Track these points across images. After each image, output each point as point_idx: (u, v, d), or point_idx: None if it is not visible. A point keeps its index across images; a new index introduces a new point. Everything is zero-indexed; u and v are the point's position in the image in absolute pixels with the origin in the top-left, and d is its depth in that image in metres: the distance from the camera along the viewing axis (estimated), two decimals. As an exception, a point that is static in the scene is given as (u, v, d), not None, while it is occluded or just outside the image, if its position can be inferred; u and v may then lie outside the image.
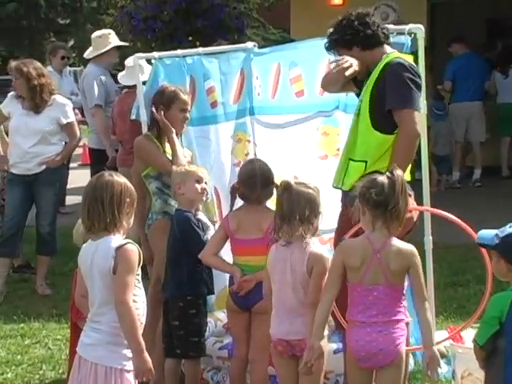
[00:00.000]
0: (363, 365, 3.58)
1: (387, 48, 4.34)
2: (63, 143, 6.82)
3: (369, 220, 3.57)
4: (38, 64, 6.81)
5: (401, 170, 3.65)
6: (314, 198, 3.79)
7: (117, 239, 3.38)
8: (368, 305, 3.55)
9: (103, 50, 7.73)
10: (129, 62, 6.36)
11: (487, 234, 3.42)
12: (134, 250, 3.36)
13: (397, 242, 3.58)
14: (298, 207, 3.74)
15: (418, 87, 4.17)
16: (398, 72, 4.13)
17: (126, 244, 3.35)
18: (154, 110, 4.83)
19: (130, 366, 3.35)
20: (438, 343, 4.59)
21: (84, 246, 3.53)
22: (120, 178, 3.45)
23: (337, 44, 4.36)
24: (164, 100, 4.82)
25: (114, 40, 7.86)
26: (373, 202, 3.53)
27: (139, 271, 3.44)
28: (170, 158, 4.80)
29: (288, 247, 3.79)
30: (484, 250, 3.72)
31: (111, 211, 3.35)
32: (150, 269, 4.99)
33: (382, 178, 3.57)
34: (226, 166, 5.21)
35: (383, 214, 3.53)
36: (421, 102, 4.65)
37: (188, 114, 4.92)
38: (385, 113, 4.11)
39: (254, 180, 4.32)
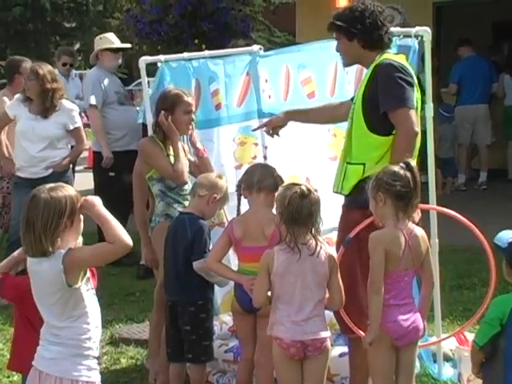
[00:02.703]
0: (399, 343, 3.76)
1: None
2: (69, 147, 6.84)
3: (391, 210, 3.74)
4: (52, 68, 6.86)
5: (414, 161, 3.79)
6: (320, 202, 3.84)
7: (57, 256, 3.23)
8: (400, 289, 3.77)
9: (97, 50, 7.77)
10: None
11: (504, 235, 3.49)
12: (75, 250, 3.26)
13: (416, 228, 3.81)
14: (318, 214, 3.80)
15: (410, 85, 4.13)
16: (389, 73, 4.10)
17: (67, 252, 3.24)
18: (161, 114, 4.80)
19: (95, 377, 3.33)
20: (442, 340, 4.61)
21: (28, 261, 3.35)
22: (57, 193, 3.25)
23: (340, 30, 4.29)
24: (167, 104, 4.82)
25: (111, 42, 7.87)
26: (398, 194, 3.70)
27: (89, 276, 3.34)
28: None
29: (304, 251, 3.79)
30: (490, 253, 3.74)
31: (40, 237, 3.20)
32: (155, 272, 4.99)
33: (403, 171, 3.73)
34: (226, 168, 5.20)
35: (406, 206, 3.73)
36: (426, 104, 4.67)
37: (193, 116, 4.91)
38: (379, 115, 4.09)
39: (254, 167, 4.45)
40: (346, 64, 4.47)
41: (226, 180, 4.58)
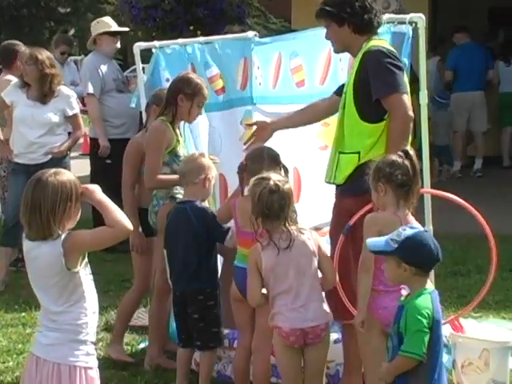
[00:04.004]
0: (389, 329, 3.66)
1: (373, 37, 4.29)
2: (67, 133, 6.83)
3: (392, 199, 3.74)
4: (50, 54, 6.84)
5: (412, 149, 3.78)
6: (292, 191, 3.89)
7: (57, 239, 3.23)
8: None
9: (94, 34, 7.73)
10: None
11: (377, 241, 3.39)
12: (75, 233, 3.26)
13: (415, 222, 3.77)
14: (290, 206, 3.83)
15: (401, 70, 4.14)
16: (379, 59, 4.10)
17: (67, 235, 3.24)
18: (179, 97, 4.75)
19: (92, 362, 3.33)
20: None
21: (25, 246, 3.36)
22: (62, 177, 3.27)
23: (330, 16, 4.29)
24: (188, 90, 4.77)
25: (108, 25, 7.82)
26: (399, 182, 3.71)
27: (87, 261, 3.35)
28: (178, 148, 4.79)
29: (281, 244, 3.82)
30: (492, 241, 3.73)
31: (48, 220, 3.21)
32: (134, 255, 5.07)
33: (402, 159, 3.74)
34: (233, 153, 5.16)
35: (407, 193, 3.74)
36: (421, 91, 4.66)
37: (201, 110, 4.92)
38: (371, 102, 4.09)
39: (261, 153, 4.36)
40: (337, 51, 4.47)
41: (207, 157, 4.57)
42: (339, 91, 4.46)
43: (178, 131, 4.87)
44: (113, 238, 3.33)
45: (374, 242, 3.40)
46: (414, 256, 3.27)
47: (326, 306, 3.90)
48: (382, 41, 4.32)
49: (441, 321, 3.34)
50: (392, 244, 3.28)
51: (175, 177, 4.62)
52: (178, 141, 4.82)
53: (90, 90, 7.58)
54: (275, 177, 3.90)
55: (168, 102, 4.82)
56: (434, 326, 3.26)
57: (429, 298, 3.30)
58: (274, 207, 3.79)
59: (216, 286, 4.47)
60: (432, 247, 3.32)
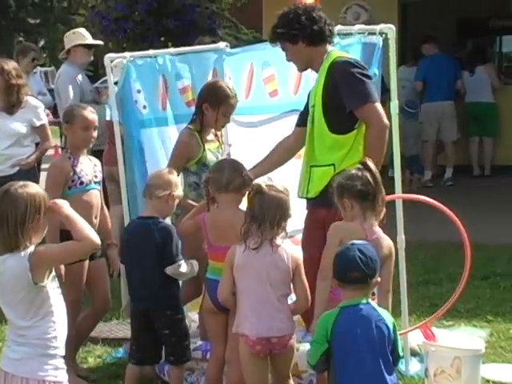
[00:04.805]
0: None
1: (329, 47, 4.34)
2: (34, 145, 6.77)
3: (359, 212, 3.75)
4: (16, 64, 6.78)
5: (371, 160, 3.80)
6: (285, 201, 3.84)
7: (23, 253, 3.20)
8: None
9: (69, 45, 7.69)
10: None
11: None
12: (42, 247, 3.24)
13: (382, 234, 3.80)
14: (269, 212, 3.80)
15: (370, 78, 4.18)
16: (348, 71, 4.13)
17: (34, 250, 3.21)
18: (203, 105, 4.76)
19: (61, 376, 3.30)
20: (406, 332, 4.64)
21: None
22: (31, 190, 3.23)
23: (282, 37, 4.33)
24: (213, 99, 4.76)
25: (84, 37, 7.78)
26: (361, 194, 3.72)
27: (55, 274, 3.32)
28: (205, 157, 4.78)
29: (259, 250, 3.81)
30: (468, 251, 3.76)
31: (16, 232, 3.18)
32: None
33: (360, 171, 3.76)
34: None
35: (372, 203, 3.74)
36: (392, 102, 4.69)
37: (229, 119, 4.89)
38: (341, 114, 4.11)
39: (222, 164, 4.38)
40: (301, 69, 4.51)
41: (176, 174, 4.54)
42: (301, 123, 4.50)
43: (209, 137, 4.85)
44: (80, 252, 3.33)
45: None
46: (334, 267, 3.42)
47: (292, 318, 3.89)
48: (343, 53, 4.37)
49: (344, 335, 3.33)
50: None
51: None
52: (204, 149, 4.80)
53: (73, 101, 7.51)
54: (272, 183, 3.93)
55: (196, 110, 4.85)
56: (334, 340, 3.32)
57: (335, 312, 3.37)
58: (255, 208, 3.81)
59: (181, 300, 4.44)
60: (343, 261, 3.36)
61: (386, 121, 4.12)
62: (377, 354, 3.32)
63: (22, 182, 3.30)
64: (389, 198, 4.16)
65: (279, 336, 3.81)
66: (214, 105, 4.77)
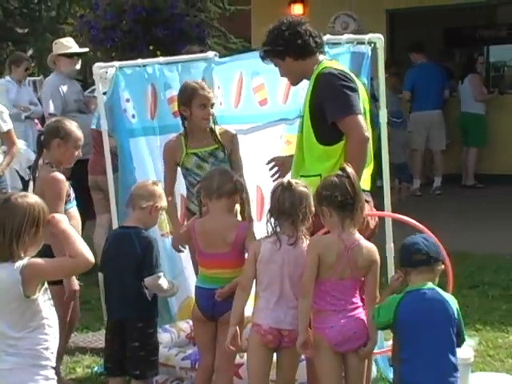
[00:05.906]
0: (339, 349, 3.75)
1: (320, 56, 4.33)
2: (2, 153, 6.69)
3: (337, 221, 3.75)
4: None
5: (351, 166, 3.80)
6: (310, 196, 3.87)
7: (16, 265, 3.18)
8: (337, 296, 3.75)
9: (51, 55, 7.68)
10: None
11: None
12: (35, 261, 3.21)
13: (363, 241, 3.79)
14: (300, 207, 3.82)
15: (353, 90, 4.15)
16: (331, 83, 4.13)
17: (27, 262, 3.19)
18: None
19: None
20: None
21: None
22: (30, 200, 3.22)
23: (271, 55, 4.36)
24: (184, 97, 4.80)
25: (65, 47, 7.77)
26: (340, 203, 3.72)
27: (47, 287, 3.29)
28: (191, 161, 4.80)
29: (284, 241, 3.83)
30: (448, 262, 3.79)
31: (11, 241, 3.16)
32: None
33: (339, 179, 3.75)
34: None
35: (351, 212, 3.74)
36: (380, 110, 4.70)
37: (212, 110, 4.84)
38: (327, 125, 4.11)
39: (212, 172, 4.39)
40: (294, 83, 4.51)
41: (161, 186, 4.54)
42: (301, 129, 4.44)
43: (206, 141, 4.84)
44: (73, 269, 3.31)
45: None
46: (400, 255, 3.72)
47: None
48: (333, 61, 4.36)
49: (408, 321, 3.54)
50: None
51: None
52: (186, 154, 4.81)
53: (51, 110, 7.50)
54: (295, 179, 3.95)
55: (180, 117, 4.88)
56: (398, 322, 3.55)
57: (399, 296, 3.60)
58: (285, 204, 3.81)
59: (155, 314, 4.39)
60: (408, 245, 3.64)
61: (366, 134, 4.10)
62: (440, 337, 3.52)
63: (23, 193, 3.29)
64: (373, 214, 4.19)
65: (290, 329, 3.83)
66: (185, 103, 4.79)
